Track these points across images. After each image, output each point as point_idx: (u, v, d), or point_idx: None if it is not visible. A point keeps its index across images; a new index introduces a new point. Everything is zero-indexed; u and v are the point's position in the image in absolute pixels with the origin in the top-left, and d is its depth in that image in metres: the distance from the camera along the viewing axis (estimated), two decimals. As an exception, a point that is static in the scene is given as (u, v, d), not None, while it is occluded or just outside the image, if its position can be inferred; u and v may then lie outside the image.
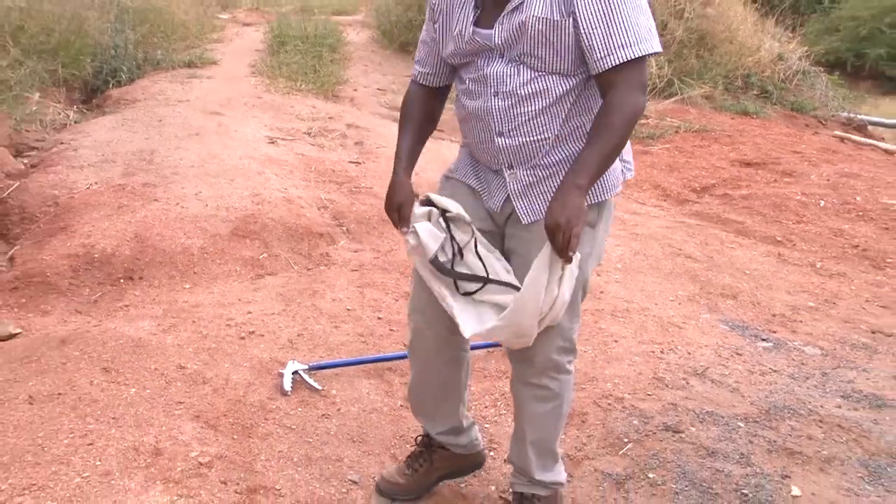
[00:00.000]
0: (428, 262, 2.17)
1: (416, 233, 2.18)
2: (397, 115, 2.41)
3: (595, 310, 4.07)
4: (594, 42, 1.95)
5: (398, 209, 2.20)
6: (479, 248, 2.17)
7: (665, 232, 5.47)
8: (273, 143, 5.90)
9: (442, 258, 2.17)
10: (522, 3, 2.00)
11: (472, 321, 2.15)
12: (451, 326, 2.25)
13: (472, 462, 2.60)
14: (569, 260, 1.94)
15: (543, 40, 1.99)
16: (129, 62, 7.42)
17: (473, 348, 3.43)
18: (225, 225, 4.49)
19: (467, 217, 2.18)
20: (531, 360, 2.23)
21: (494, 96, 2.08)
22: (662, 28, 9.33)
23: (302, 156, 5.72)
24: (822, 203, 6.18)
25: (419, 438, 2.58)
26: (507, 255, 2.24)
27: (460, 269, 2.18)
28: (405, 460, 2.56)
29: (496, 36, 2.05)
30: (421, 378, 2.44)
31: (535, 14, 1.97)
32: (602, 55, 1.95)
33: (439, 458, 2.53)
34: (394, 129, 2.37)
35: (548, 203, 2.10)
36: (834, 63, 15.18)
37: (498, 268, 2.17)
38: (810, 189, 6.44)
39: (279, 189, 4.98)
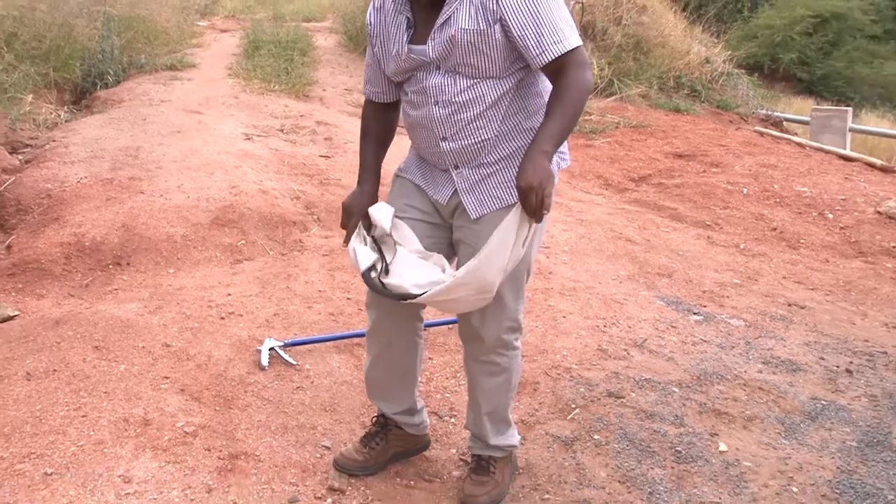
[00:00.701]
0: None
1: (352, 251, 2.19)
2: (362, 112, 2.40)
3: (545, 289, 4.08)
4: (528, 43, 1.97)
5: (347, 222, 2.25)
6: (400, 258, 2.15)
7: (607, 218, 5.49)
8: (249, 139, 5.83)
9: (374, 274, 2.14)
10: (450, 17, 1.99)
11: (429, 279, 2.10)
12: (407, 316, 2.24)
13: (421, 443, 2.58)
14: (541, 219, 1.93)
15: (473, 49, 1.99)
16: (115, 66, 7.26)
17: (433, 325, 3.46)
18: (205, 215, 4.43)
19: (388, 233, 2.18)
20: (482, 339, 2.22)
21: (435, 105, 2.06)
22: (603, 34, 9.38)
23: (276, 151, 5.65)
24: (745, 191, 6.25)
25: (375, 419, 2.54)
26: (455, 244, 2.24)
27: (391, 280, 2.13)
28: (361, 439, 2.51)
29: (430, 51, 2.04)
30: (379, 364, 2.40)
31: (463, 27, 1.97)
32: (538, 52, 1.97)
33: (394, 437, 2.50)
34: (359, 124, 2.34)
35: (494, 197, 2.11)
36: (753, 66, 15.43)
37: (420, 276, 2.12)
38: (735, 178, 6.51)
39: (255, 181, 4.92)
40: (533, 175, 1.88)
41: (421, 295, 2.05)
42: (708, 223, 5.67)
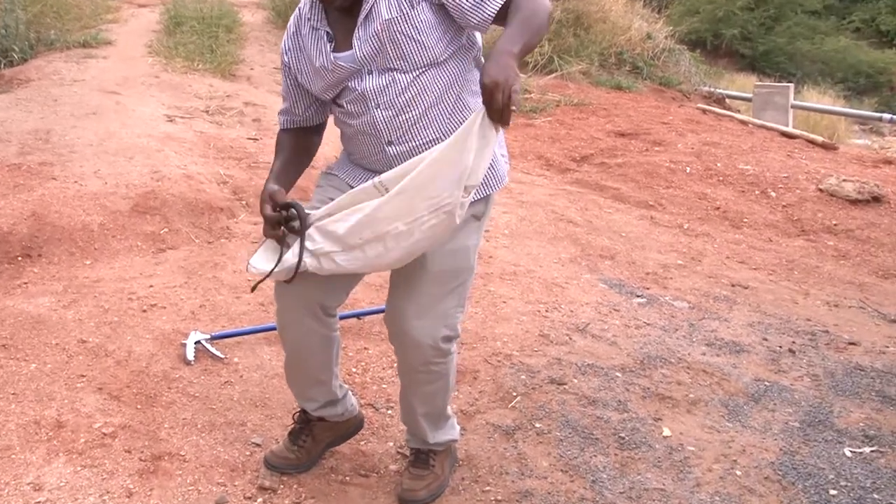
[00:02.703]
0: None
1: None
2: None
3: (485, 273, 4.09)
4: (464, 5, 1.92)
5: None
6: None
7: (548, 199, 5.53)
8: (172, 121, 5.69)
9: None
10: (370, 12, 1.96)
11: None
12: (319, 311, 2.18)
13: (352, 426, 2.55)
14: (508, 121, 1.79)
15: (403, 38, 1.95)
16: (20, 42, 6.97)
17: (368, 314, 3.46)
18: (125, 202, 4.31)
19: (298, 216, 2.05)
20: (416, 350, 2.16)
21: (377, 109, 2.02)
22: (542, 9, 9.40)
23: (201, 133, 5.54)
24: (688, 170, 6.36)
25: (296, 415, 2.51)
26: None
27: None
28: (288, 437, 2.47)
29: (357, 51, 1.99)
30: (293, 361, 2.35)
31: (385, 17, 1.93)
32: (477, 8, 1.91)
33: (320, 430, 2.47)
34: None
35: None
36: (696, 42, 15.72)
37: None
38: (677, 157, 6.61)
39: (179, 166, 4.82)
40: (498, 71, 1.75)
41: (351, 226, 1.94)
42: (651, 203, 5.75)
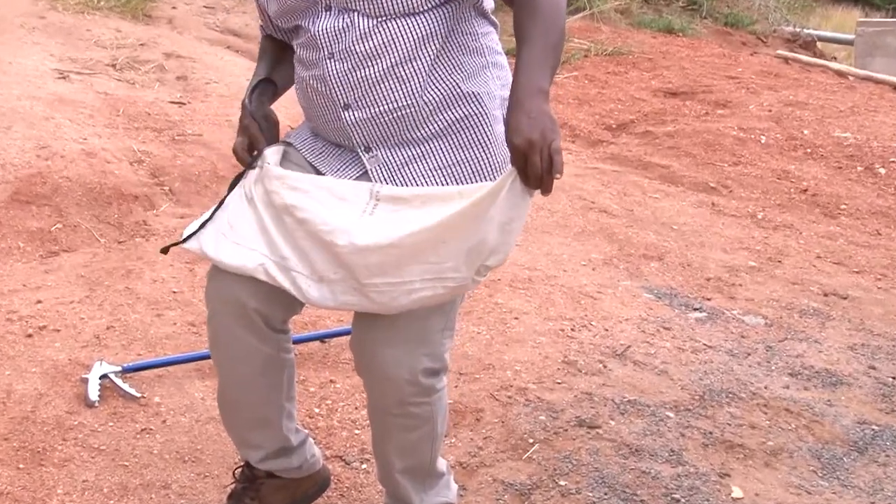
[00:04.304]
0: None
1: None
2: (231, 39, 2.33)
3: (490, 281, 4.07)
4: None
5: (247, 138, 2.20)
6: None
7: (574, 181, 5.48)
8: (64, 77, 5.68)
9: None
10: None
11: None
12: (258, 321, 2.16)
13: (313, 485, 2.53)
14: (550, 188, 1.79)
15: None
16: None
17: (333, 335, 3.45)
18: (1, 188, 4.31)
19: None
20: (389, 387, 2.13)
21: (330, 59, 2.05)
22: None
23: (105, 95, 5.53)
24: (764, 139, 6.33)
25: (238, 472, 2.48)
26: None
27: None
28: (227, 499, 2.46)
29: None
30: (228, 391, 2.32)
31: None
32: None
33: (270, 491, 2.44)
34: (229, 57, 2.31)
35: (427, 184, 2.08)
36: (775, -35, 15.62)
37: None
38: (749, 123, 6.56)
39: (76, 139, 4.81)
40: (530, 125, 1.77)
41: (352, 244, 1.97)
42: (712, 185, 5.71)
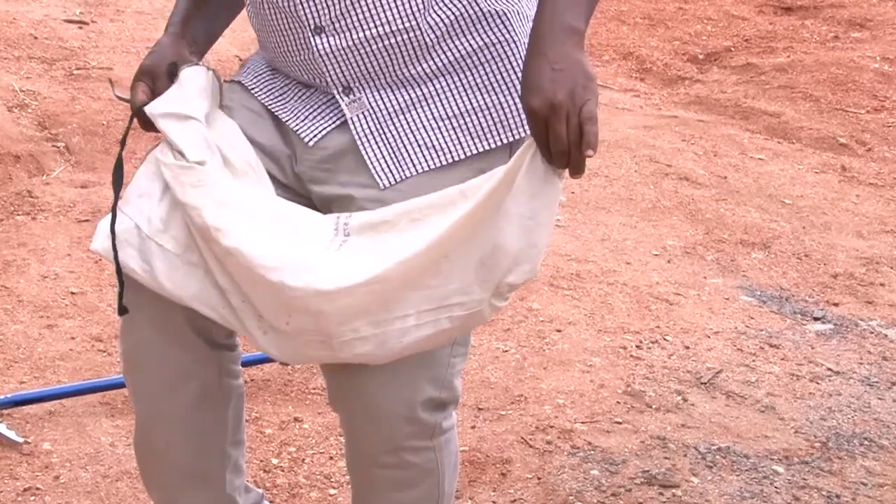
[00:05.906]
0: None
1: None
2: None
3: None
4: None
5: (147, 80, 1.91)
6: None
7: (642, 135, 5.26)
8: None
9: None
10: None
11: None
12: (192, 335, 1.91)
13: None
14: (582, 168, 1.61)
15: None
16: None
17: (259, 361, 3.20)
18: None
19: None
20: (378, 426, 1.94)
21: None
22: None
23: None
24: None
25: None
26: None
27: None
28: None
29: None
30: (151, 432, 2.08)
31: None
32: None
33: None
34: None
35: (426, 146, 1.87)
36: None
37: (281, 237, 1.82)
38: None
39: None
40: (554, 80, 1.58)
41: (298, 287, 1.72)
42: (843, 142, 5.44)
